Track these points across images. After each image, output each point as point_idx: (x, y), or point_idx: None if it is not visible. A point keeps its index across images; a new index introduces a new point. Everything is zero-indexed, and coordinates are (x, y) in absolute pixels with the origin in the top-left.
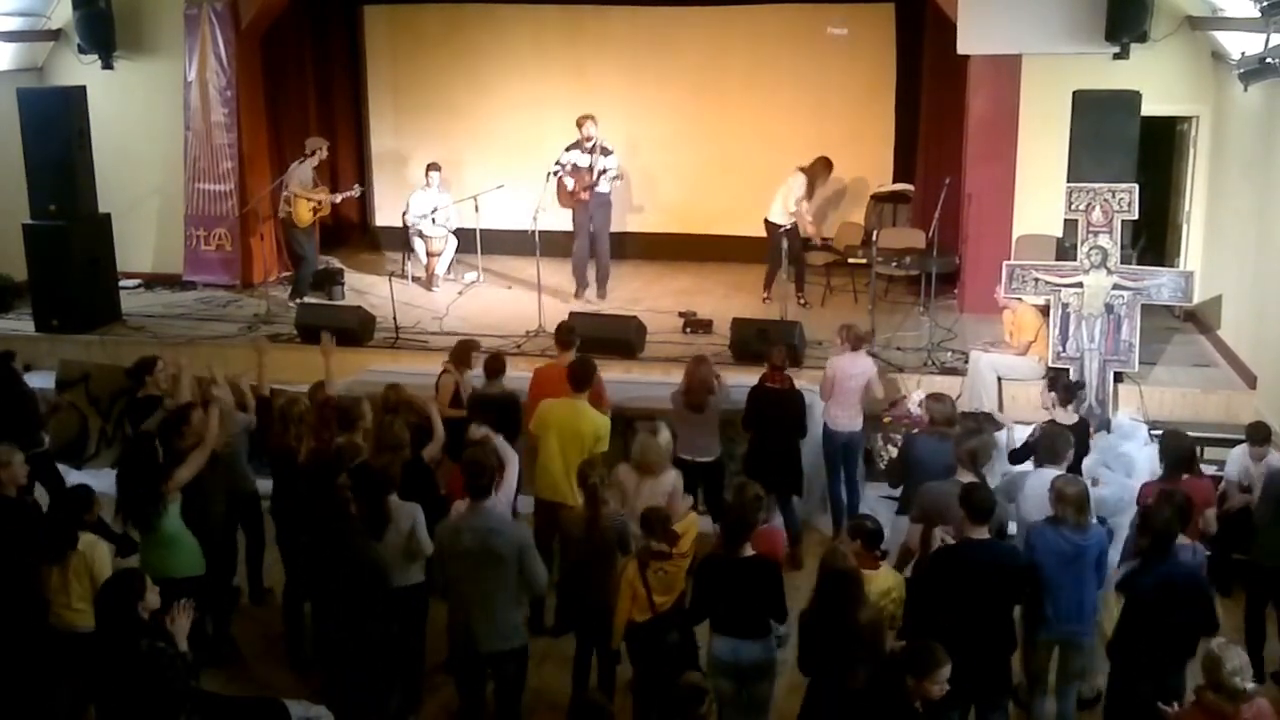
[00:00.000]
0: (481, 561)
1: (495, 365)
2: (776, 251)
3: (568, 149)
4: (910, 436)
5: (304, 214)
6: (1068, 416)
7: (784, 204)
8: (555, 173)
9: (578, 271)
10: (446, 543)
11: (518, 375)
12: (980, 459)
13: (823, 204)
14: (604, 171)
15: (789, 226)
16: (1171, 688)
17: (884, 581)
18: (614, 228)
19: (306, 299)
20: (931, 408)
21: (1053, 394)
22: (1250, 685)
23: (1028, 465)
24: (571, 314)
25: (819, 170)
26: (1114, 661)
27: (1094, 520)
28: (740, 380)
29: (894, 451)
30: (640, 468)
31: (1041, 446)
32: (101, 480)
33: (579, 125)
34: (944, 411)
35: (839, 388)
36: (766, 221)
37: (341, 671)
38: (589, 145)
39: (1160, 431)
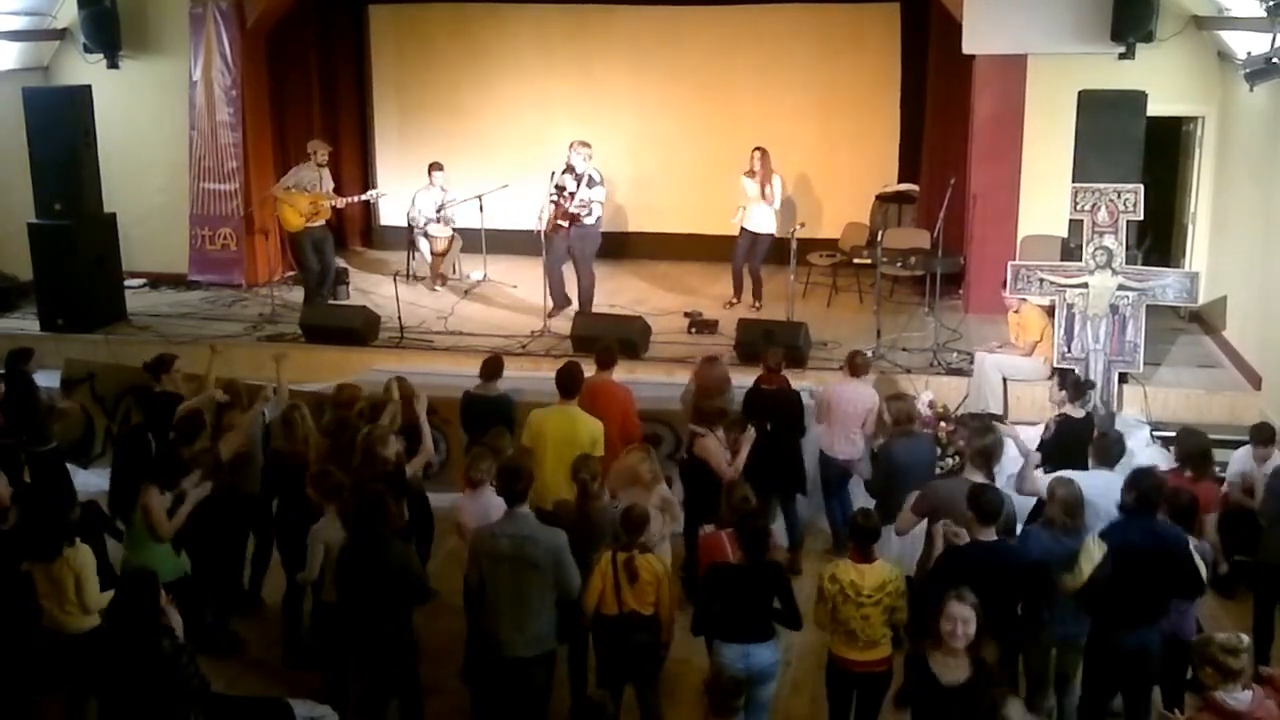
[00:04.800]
0: (517, 568)
1: (492, 367)
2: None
3: (564, 171)
4: (884, 444)
5: (290, 218)
6: (1077, 411)
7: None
8: (551, 196)
9: (555, 292)
10: (483, 548)
11: (523, 375)
12: (994, 459)
13: (827, 205)
14: (584, 203)
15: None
16: (1147, 641)
17: (879, 575)
18: (618, 228)
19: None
20: (893, 407)
21: (1063, 391)
22: (1245, 638)
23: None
24: (577, 315)
25: (753, 161)
26: (1090, 611)
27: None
28: (745, 381)
29: None
30: (628, 481)
31: (1096, 450)
32: (107, 480)
33: (569, 149)
34: (905, 410)
35: (836, 413)
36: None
37: (373, 673)
38: (577, 174)
39: (1164, 433)
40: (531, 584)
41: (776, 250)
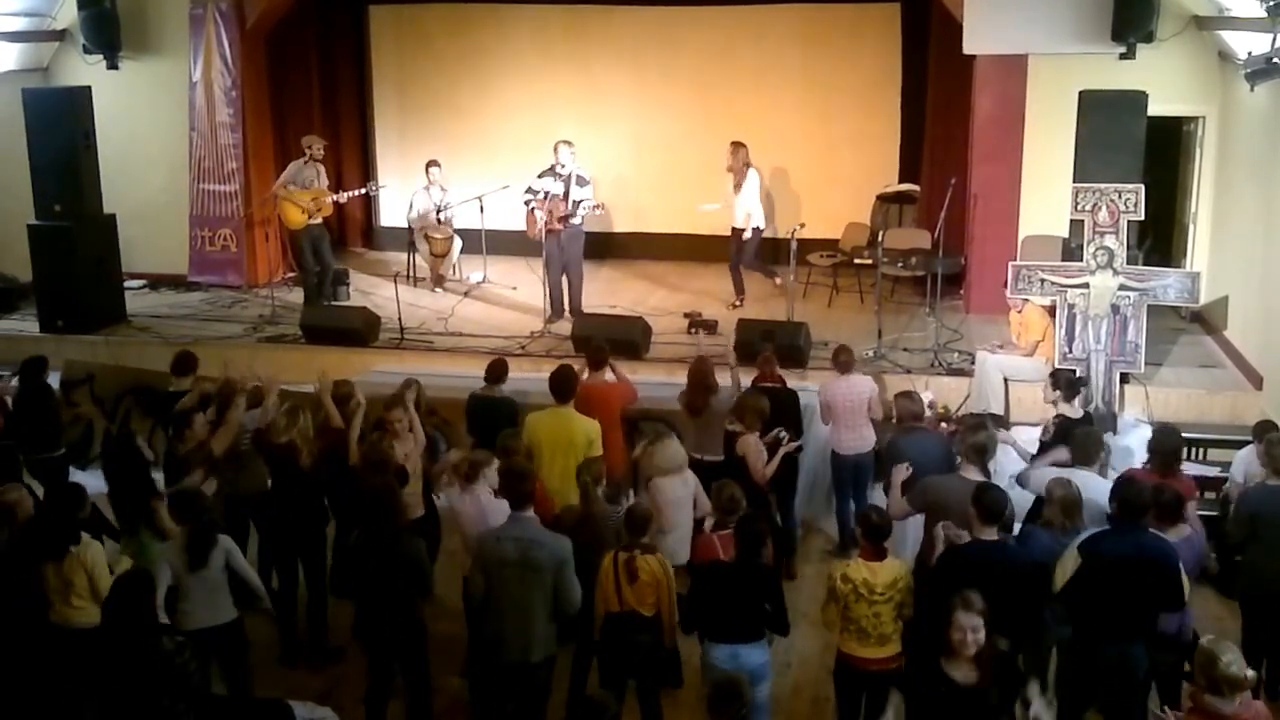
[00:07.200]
0: (521, 572)
1: (497, 370)
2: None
3: (541, 175)
4: (891, 440)
5: (292, 215)
6: (1074, 411)
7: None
8: (528, 203)
9: (555, 300)
10: (487, 552)
11: (526, 377)
12: (987, 454)
13: (827, 205)
14: (580, 203)
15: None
16: (1133, 657)
17: (891, 572)
18: (618, 228)
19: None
20: (900, 405)
21: (1057, 391)
22: (1250, 673)
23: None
24: (576, 315)
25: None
26: (1073, 624)
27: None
28: (744, 382)
29: None
30: (661, 470)
31: (1075, 447)
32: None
33: (554, 150)
34: (911, 408)
35: (838, 411)
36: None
37: (389, 665)
38: (564, 173)
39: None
40: (534, 588)
41: (776, 250)
